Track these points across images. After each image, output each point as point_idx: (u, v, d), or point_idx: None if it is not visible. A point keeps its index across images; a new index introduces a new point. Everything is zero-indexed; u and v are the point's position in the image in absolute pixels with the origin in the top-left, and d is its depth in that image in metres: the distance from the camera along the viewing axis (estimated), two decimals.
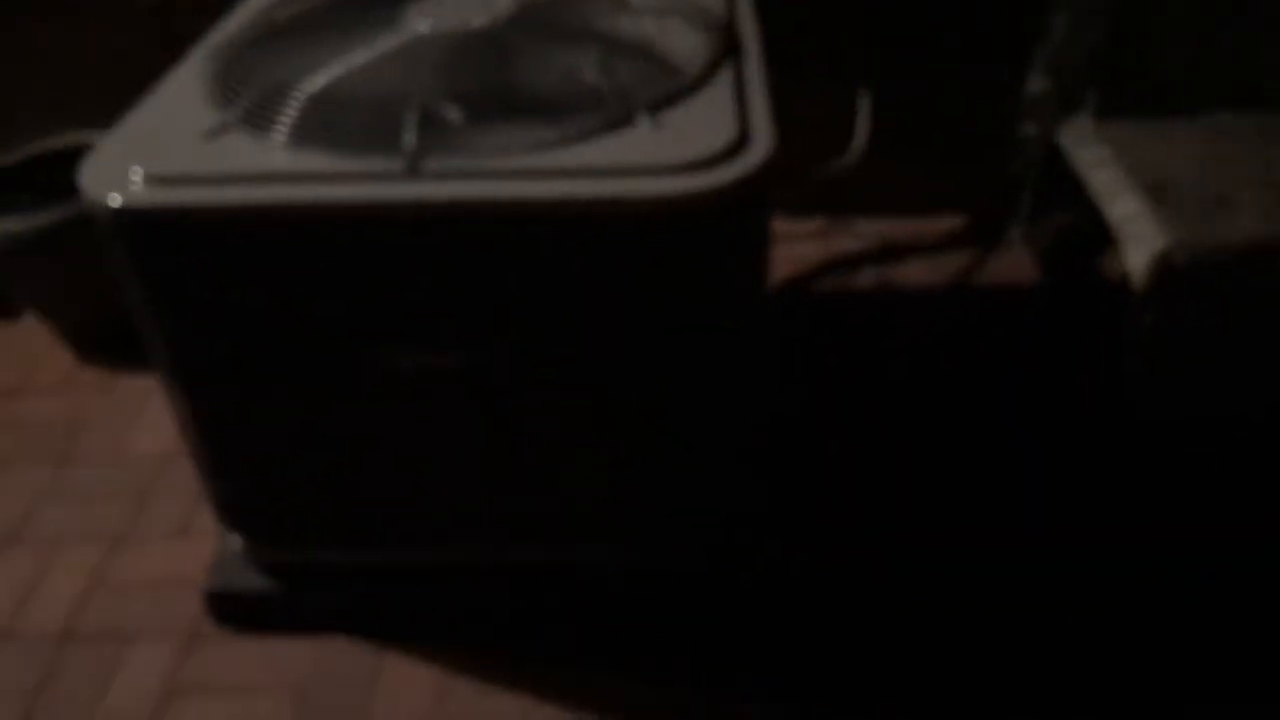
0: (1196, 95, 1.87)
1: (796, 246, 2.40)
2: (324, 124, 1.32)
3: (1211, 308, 1.55)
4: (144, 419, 2.09)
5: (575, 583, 1.62)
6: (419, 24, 1.51)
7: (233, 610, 1.66)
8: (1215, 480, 1.68)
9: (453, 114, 1.32)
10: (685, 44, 1.50)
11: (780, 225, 2.44)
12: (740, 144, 1.27)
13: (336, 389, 1.38)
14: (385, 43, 1.47)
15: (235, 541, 1.62)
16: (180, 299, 1.32)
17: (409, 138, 1.26)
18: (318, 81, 1.38)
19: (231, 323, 1.34)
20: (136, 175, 1.26)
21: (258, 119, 1.35)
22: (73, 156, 2.22)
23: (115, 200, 1.25)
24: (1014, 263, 2.32)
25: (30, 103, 2.37)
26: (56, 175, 2.20)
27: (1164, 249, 1.53)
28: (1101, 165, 1.79)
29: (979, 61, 2.23)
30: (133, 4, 2.22)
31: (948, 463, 1.84)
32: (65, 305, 2.25)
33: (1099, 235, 1.97)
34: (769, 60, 1.49)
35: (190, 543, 1.81)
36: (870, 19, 2.17)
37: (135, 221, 1.26)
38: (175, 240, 1.27)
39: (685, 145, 1.25)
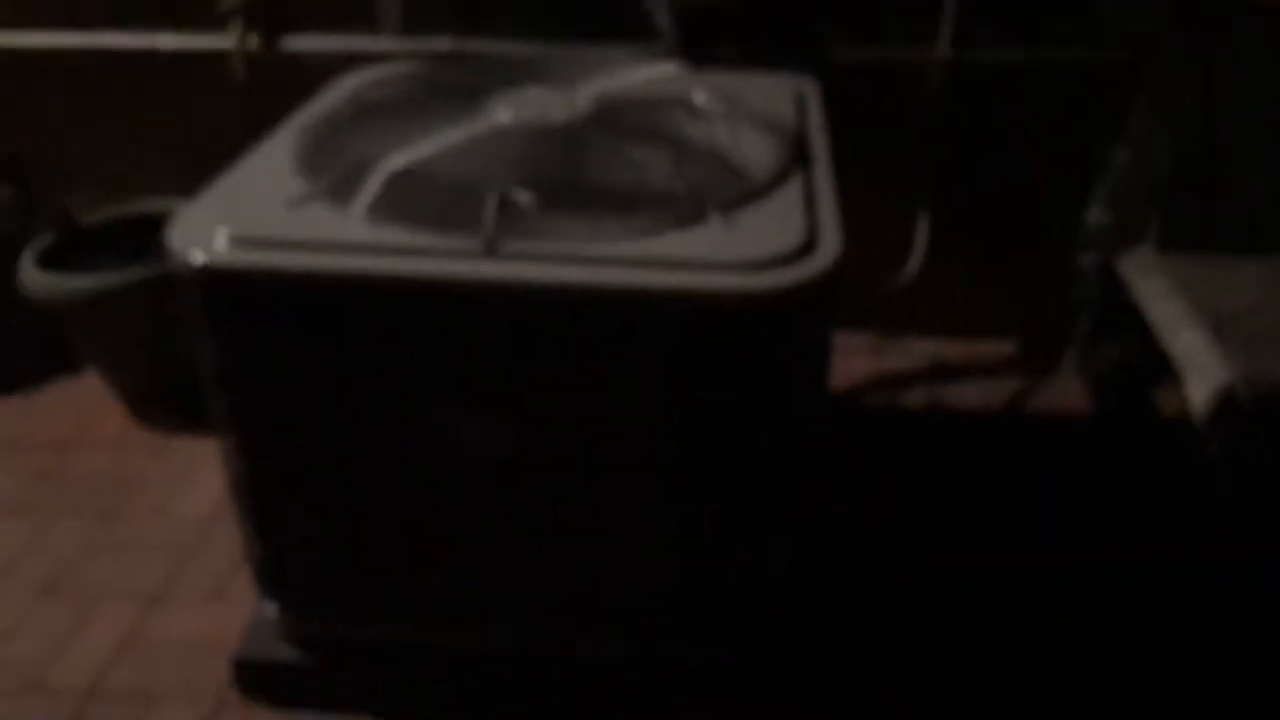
0: (1260, 234, 1.87)
1: (848, 360, 2.40)
2: (404, 201, 1.37)
3: (1275, 445, 1.53)
4: (191, 482, 2.11)
5: (615, 675, 1.58)
6: (501, 114, 1.57)
7: (261, 680, 1.64)
8: None
9: (529, 201, 1.35)
10: (756, 150, 1.54)
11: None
12: (809, 247, 1.29)
13: (394, 460, 1.39)
14: (468, 130, 1.52)
15: (270, 609, 1.61)
16: (250, 359, 1.35)
17: (489, 219, 1.29)
18: (400, 160, 1.43)
19: (297, 386, 1.36)
20: (222, 236, 1.31)
21: (341, 191, 1.39)
22: (149, 222, 2.32)
23: (199, 258, 1.29)
24: (1067, 392, 2.30)
25: (119, 169, 2.47)
26: (134, 239, 2.28)
27: (1227, 383, 1.51)
28: (1163, 297, 1.79)
29: (1041, 188, 2.26)
30: (227, 79, 2.32)
31: (986, 600, 1.81)
32: (126, 364, 2.30)
33: (1154, 368, 1.96)
34: (835, 168, 1.53)
35: (225, 607, 1.81)
36: (937, 140, 2.22)
37: (216, 280, 1.30)
38: (252, 301, 1.31)
39: (755, 244, 1.28)
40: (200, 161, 1.58)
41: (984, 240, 2.35)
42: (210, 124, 2.36)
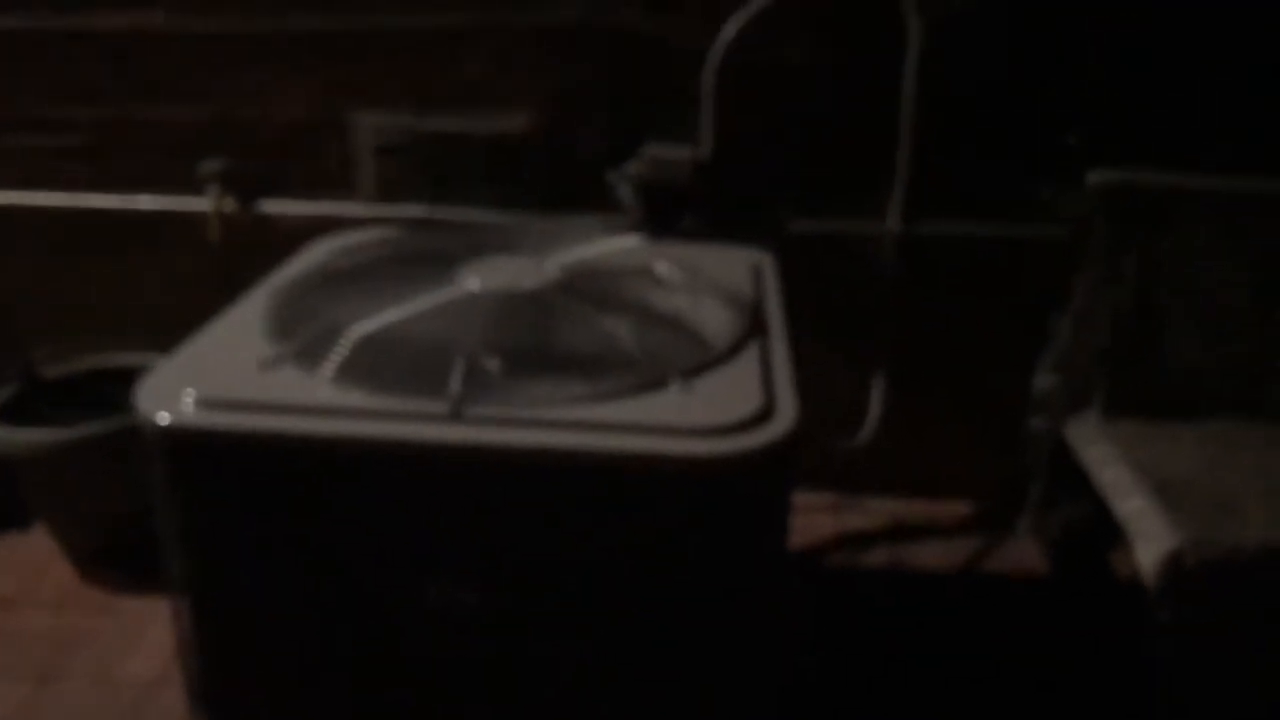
0: (1201, 398, 1.96)
1: (810, 519, 2.42)
2: (372, 365, 1.40)
3: (1224, 610, 1.56)
4: (138, 643, 2.05)
5: None
6: (470, 282, 1.62)
7: None
8: None
9: (496, 366, 1.39)
10: (715, 320, 1.60)
11: (794, 498, 2.47)
12: (766, 413, 1.33)
13: (355, 624, 1.37)
14: (436, 296, 1.57)
15: None
16: (212, 519, 1.35)
17: (455, 383, 1.32)
18: (369, 326, 1.47)
19: (258, 547, 1.35)
20: (189, 396, 1.32)
21: (310, 355, 1.42)
22: (116, 376, 2.33)
23: (164, 418, 1.30)
24: (1023, 553, 2.33)
25: (90, 323, 2.50)
26: (100, 392, 2.29)
27: (1174, 548, 1.55)
28: (1108, 463, 1.84)
29: (992, 353, 2.35)
30: (203, 241, 2.37)
31: None
32: (76, 520, 2.27)
33: (1107, 530, 2.00)
34: (791, 336, 1.59)
35: None
36: (890, 308, 2.31)
37: (181, 440, 1.31)
38: (216, 461, 1.32)
39: (714, 410, 1.32)
40: (173, 318, 1.61)
41: (938, 404, 2.42)
42: (184, 282, 2.41)
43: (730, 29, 2.13)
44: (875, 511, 2.47)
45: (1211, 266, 1.93)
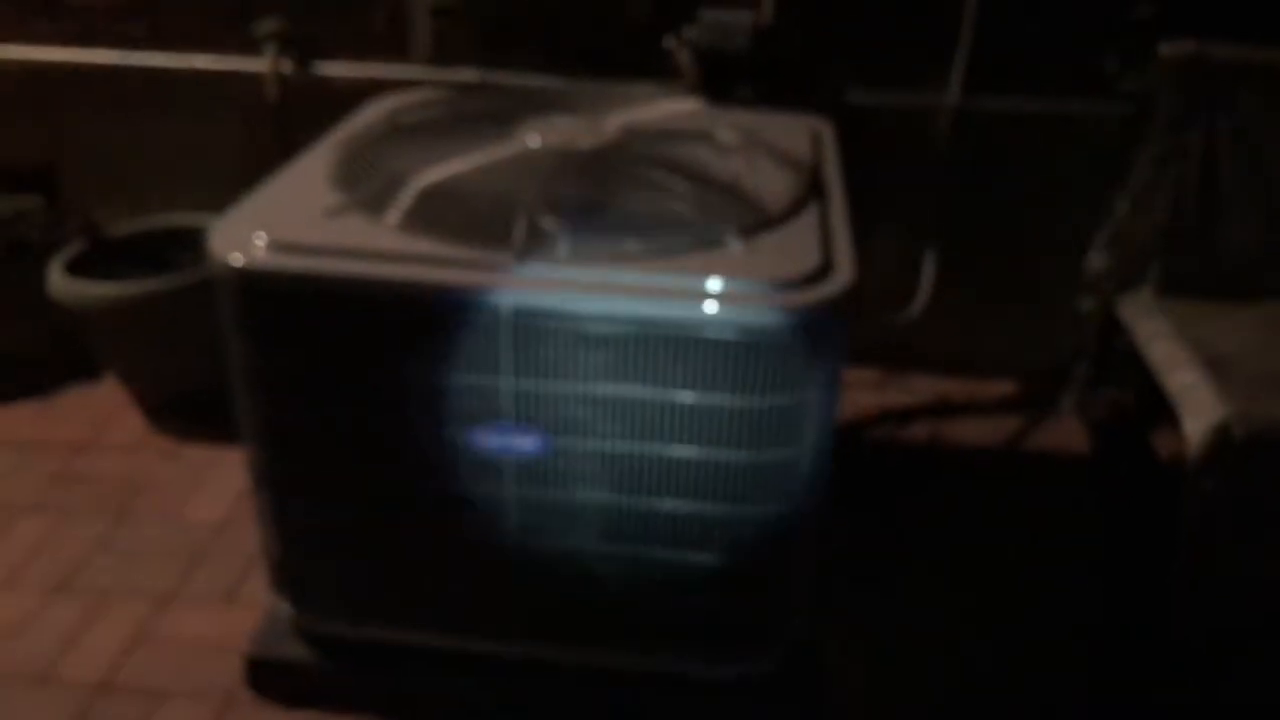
0: (1257, 280, 1.94)
1: (853, 394, 2.45)
2: (436, 214, 1.42)
3: (1268, 482, 1.58)
4: (204, 487, 2.14)
5: (622, 686, 1.62)
6: (531, 139, 1.63)
7: (272, 679, 1.67)
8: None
9: (555, 222, 1.41)
10: (774, 182, 1.60)
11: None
12: (824, 270, 1.35)
13: (414, 466, 1.43)
14: (499, 152, 1.59)
15: (284, 609, 1.65)
16: (282, 361, 1.40)
17: (519, 234, 1.35)
18: (433, 176, 1.49)
19: (326, 389, 1.41)
20: (260, 241, 1.36)
21: (375, 204, 1.45)
22: (175, 236, 2.38)
23: (238, 260, 1.34)
24: (1066, 431, 2.35)
25: (149, 184, 2.54)
26: (160, 252, 2.34)
27: (1222, 420, 1.56)
28: (1161, 338, 1.84)
29: (1044, 232, 2.33)
30: (259, 101, 2.39)
31: (978, 630, 1.84)
32: (145, 371, 2.35)
33: (1152, 411, 2.01)
34: (854, 212, 1.59)
35: (236, 610, 1.84)
36: (945, 183, 2.29)
37: (253, 282, 1.35)
38: (287, 304, 1.36)
39: (773, 267, 1.33)
40: (231, 180, 1.64)
41: (988, 282, 2.41)
42: (242, 144, 2.44)
43: None
44: (920, 389, 2.49)
45: (1275, 148, 1.88)
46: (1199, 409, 1.61)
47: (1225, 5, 2.03)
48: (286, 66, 2.38)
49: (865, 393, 2.48)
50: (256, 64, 2.38)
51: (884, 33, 2.20)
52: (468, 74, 2.33)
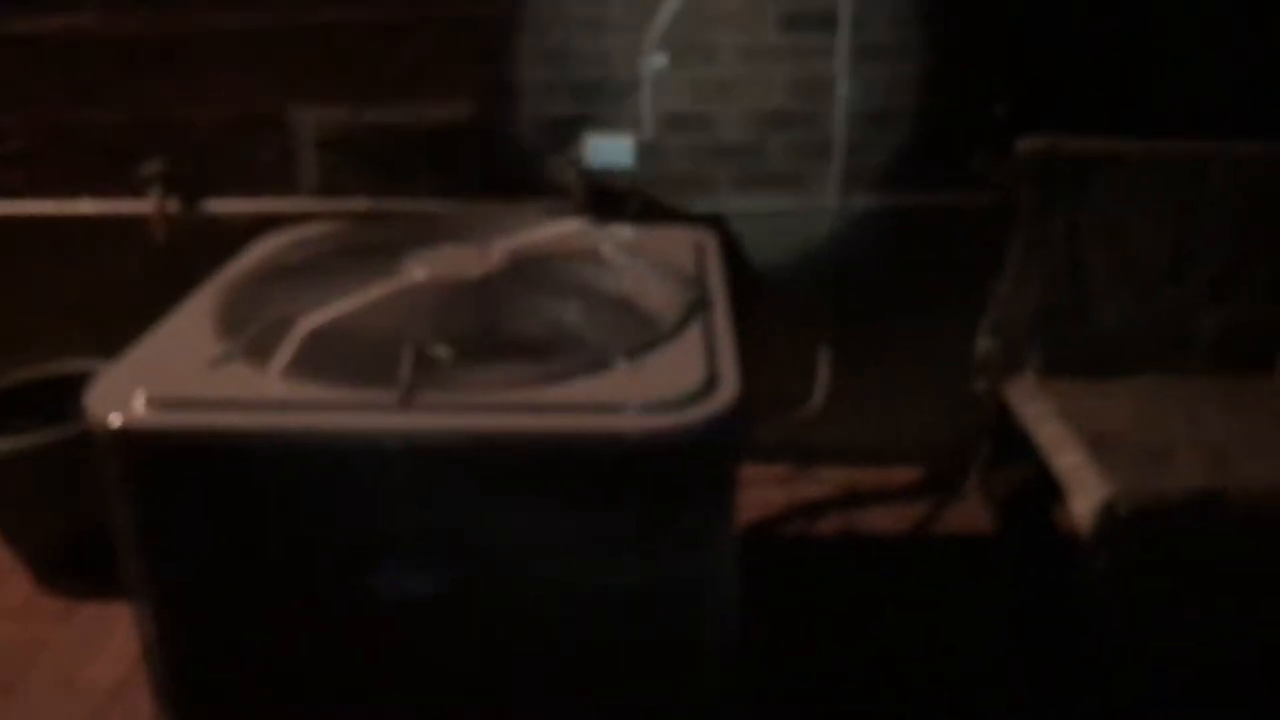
0: (1131, 355, 2.03)
1: (763, 491, 2.47)
2: (322, 358, 1.42)
3: (1154, 554, 1.63)
4: (100, 649, 2.05)
5: None
6: (417, 271, 1.64)
7: None
8: None
9: (444, 354, 1.42)
10: (660, 298, 1.64)
11: (747, 470, 2.51)
12: (709, 386, 1.37)
13: (314, 614, 1.40)
14: (384, 287, 1.59)
15: None
16: (169, 519, 1.36)
17: (404, 371, 1.35)
18: (318, 319, 1.49)
19: (217, 544, 1.37)
20: (140, 398, 1.34)
21: (260, 350, 1.44)
22: (64, 384, 2.32)
23: (116, 420, 1.31)
24: (972, 512, 2.40)
25: (37, 332, 2.48)
26: (49, 401, 2.28)
27: (1108, 499, 1.62)
28: (1046, 419, 1.91)
29: (935, 322, 2.40)
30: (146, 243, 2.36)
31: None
32: (34, 528, 2.25)
33: (1052, 486, 2.07)
34: (737, 312, 1.63)
35: None
36: (833, 278, 2.36)
37: (134, 441, 1.32)
38: (170, 461, 1.33)
39: (658, 386, 1.35)
40: (122, 324, 1.61)
41: (884, 371, 2.47)
42: (129, 286, 2.40)
43: (664, 15, 2.16)
44: (827, 480, 2.53)
45: (1133, 228, 2.00)
46: (1086, 489, 1.66)
47: (1075, 101, 2.17)
48: (173, 206, 2.37)
49: (774, 488, 2.50)
50: (142, 205, 2.37)
51: (762, 143, 2.29)
52: (358, 203, 2.35)
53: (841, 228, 2.31)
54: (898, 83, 2.22)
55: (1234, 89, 2.14)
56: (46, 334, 2.48)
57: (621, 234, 1.92)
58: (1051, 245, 2.04)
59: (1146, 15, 2.15)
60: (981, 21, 2.18)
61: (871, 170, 2.28)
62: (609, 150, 2.24)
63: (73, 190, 2.39)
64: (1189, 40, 2.13)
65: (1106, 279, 2.02)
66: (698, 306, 1.62)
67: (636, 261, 1.78)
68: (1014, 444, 2.26)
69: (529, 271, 1.70)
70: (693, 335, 1.53)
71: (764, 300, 2.22)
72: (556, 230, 1.90)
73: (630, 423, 1.30)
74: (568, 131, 2.24)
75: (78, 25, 2.25)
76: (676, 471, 1.34)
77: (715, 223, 2.02)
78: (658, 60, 2.20)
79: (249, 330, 1.49)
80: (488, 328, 1.54)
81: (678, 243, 1.92)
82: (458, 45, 2.20)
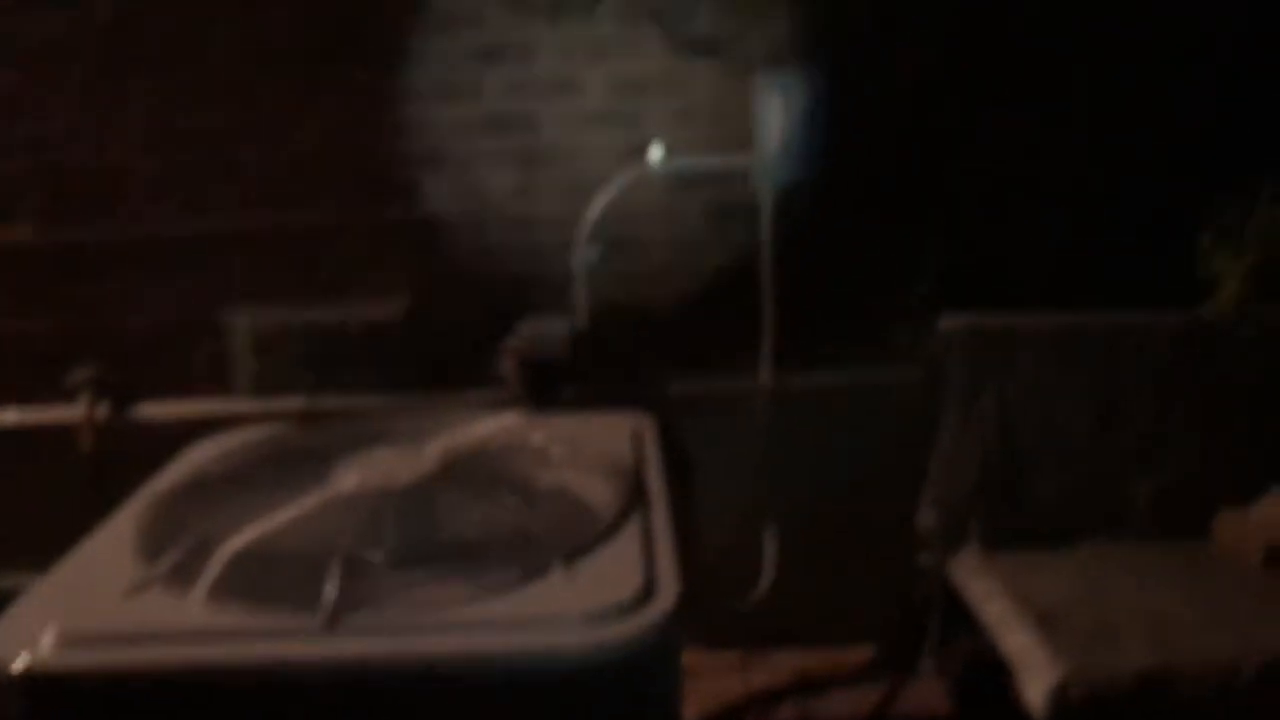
0: (1070, 526, 2.04)
1: (716, 681, 2.40)
2: (246, 580, 1.36)
3: None
4: None
5: None
6: (347, 480, 1.61)
7: None
8: None
9: (374, 567, 1.37)
10: (597, 493, 1.62)
11: (699, 659, 2.46)
12: (647, 593, 1.34)
13: None
14: (314, 499, 1.56)
15: None
16: None
17: (329, 592, 1.30)
18: (242, 538, 1.44)
19: None
20: (49, 634, 1.27)
21: (181, 575, 1.38)
22: None
23: (22, 663, 1.24)
24: (929, 692, 2.35)
25: None
26: None
27: (1060, 682, 1.59)
28: (992, 597, 1.89)
29: (878, 498, 2.41)
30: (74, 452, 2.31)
31: None
32: None
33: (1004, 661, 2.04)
34: (677, 498, 1.61)
35: None
36: (774, 456, 2.37)
37: (40, 684, 1.24)
38: (82, 702, 1.25)
39: (595, 595, 1.32)
40: (48, 536, 1.55)
41: (831, 550, 2.46)
42: (59, 496, 2.33)
43: (597, 204, 2.23)
44: (781, 665, 2.47)
45: (1061, 400, 2.04)
46: (1035, 671, 1.64)
47: (996, 278, 2.26)
48: (102, 413, 2.33)
49: (727, 677, 2.43)
50: (71, 413, 2.33)
51: (694, 328, 2.34)
52: (294, 403, 2.33)
53: (777, 407, 2.34)
54: (824, 265, 2.29)
55: (1142, 264, 2.25)
56: None
57: (558, 424, 1.92)
58: (983, 420, 2.07)
59: (1057, 199, 2.27)
60: (901, 203, 2.29)
61: (803, 350, 2.32)
62: (545, 339, 2.27)
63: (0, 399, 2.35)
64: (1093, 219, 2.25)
65: (1039, 451, 2.06)
66: (635, 500, 1.60)
67: (573, 453, 1.77)
68: (965, 618, 2.24)
69: (463, 471, 1.68)
70: (631, 532, 1.50)
71: (705, 484, 2.21)
72: (491, 425, 1.89)
73: (567, 637, 1.26)
74: (504, 323, 2.27)
75: (15, 236, 2.26)
76: (618, 682, 1.29)
77: (652, 407, 2.03)
78: (590, 252, 2.26)
79: (170, 553, 1.44)
80: (421, 536, 1.50)
81: (615, 430, 1.92)
82: (392, 245, 2.25)
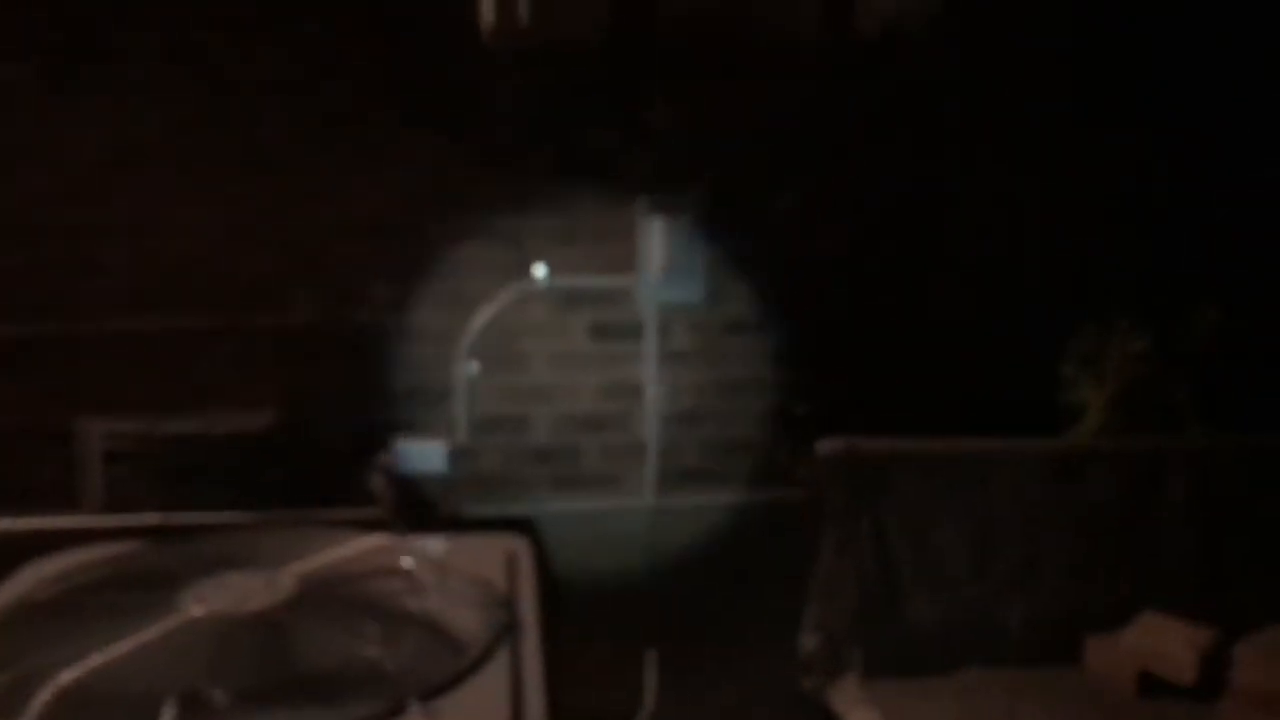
0: (948, 651, 2.04)
1: None
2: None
3: None
4: None
5: None
6: (194, 607, 1.50)
7: None
8: None
9: (214, 707, 1.27)
10: (466, 620, 1.55)
11: None
12: None
13: None
14: (155, 628, 1.44)
15: None
16: None
17: None
18: (72, 673, 1.32)
19: None
20: None
21: (2, 712, 1.26)
22: None
23: None
24: None
25: None
26: None
27: None
28: None
29: (760, 616, 2.37)
30: None
31: None
32: None
33: None
34: (555, 621, 1.55)
35: None
36: (655, 577, 2.32)
37: None
38: None
39: None
40: None
41: (715, 673, 2.40)
42: None
43: (480, 318, 2.21)
44: None
45: (936, 525, 2.07)
46: None
47: (874, 400, 2.30)
48: None
49: None
50: None
51: (575, 445, 2.31)
52: (148, 519, 2.19)
53: (658, 527, 2.31)
54: (705, 386, 2.30)
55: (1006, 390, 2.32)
56: None
57: (429, 546, 1.84)
58: (860, 544, 2.08)
59: (930, 322, 2.35)
60: (781, 326, 2.33)
61: (684, 470, 2.31)
62: (420, 455, 2.20)
63: None
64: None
65: (915, 576, 2.07)
66: (505, 630, 1.54)
67: (442, 578, 1.69)
68: None
69: (323, 597, 1.59)
70: (499, 664, 1.44)
71: (583, 606, 2.14)
72: (356, 547, 1.80)
73: None
74: (377, 438, 2.19)
75: None
76: None
77: (529, 527, 1.97)
78: (470, 367, 2.22)
79: None
80: (273, 668, 1.41)
81: (489, 552, 1.85)
82: (260, 354, 2.17)
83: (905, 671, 2.02)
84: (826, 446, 2.10)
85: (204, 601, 1.52)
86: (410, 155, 2.19)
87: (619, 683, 2.34)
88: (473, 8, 2.07)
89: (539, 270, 2.22)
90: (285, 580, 1.61)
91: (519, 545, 1.90)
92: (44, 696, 1.28)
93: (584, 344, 2.25)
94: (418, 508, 2.13)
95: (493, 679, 1.40)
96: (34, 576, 1.71)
